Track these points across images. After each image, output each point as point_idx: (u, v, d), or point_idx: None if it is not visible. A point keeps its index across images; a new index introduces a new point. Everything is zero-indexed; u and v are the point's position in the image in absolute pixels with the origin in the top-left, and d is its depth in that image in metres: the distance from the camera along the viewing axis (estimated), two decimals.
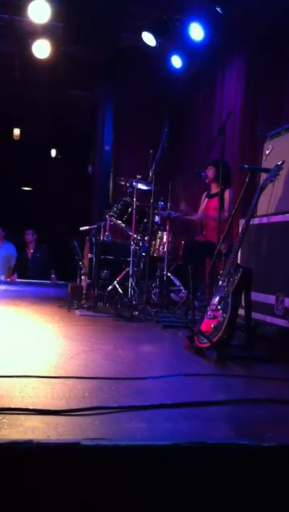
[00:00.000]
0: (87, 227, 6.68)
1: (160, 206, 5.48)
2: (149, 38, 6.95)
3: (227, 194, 5.33)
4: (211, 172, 5.62)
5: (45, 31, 7.01)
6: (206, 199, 5.85)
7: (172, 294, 5.49)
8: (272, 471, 1.53)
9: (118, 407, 1.88)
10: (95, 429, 1.65)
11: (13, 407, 1.78)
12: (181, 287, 5.46)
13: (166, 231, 5.41)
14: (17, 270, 8.91)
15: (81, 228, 6.78)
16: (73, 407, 1.82)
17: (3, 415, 1.69)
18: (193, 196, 7.66)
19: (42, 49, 7.15)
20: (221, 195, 4.67)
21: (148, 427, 1.73)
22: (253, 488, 1.52)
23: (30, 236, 8.98)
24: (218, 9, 6.22)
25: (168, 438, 1.57)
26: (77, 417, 1.75)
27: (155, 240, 5.51)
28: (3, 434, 1.53)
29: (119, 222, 5.51)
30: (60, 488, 1.42)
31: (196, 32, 6.63)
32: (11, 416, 1.70)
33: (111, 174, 9.45)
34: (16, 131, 11.11)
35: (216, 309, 3.08)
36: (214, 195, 5.59)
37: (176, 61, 7.46)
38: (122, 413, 1.84)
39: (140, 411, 1.88)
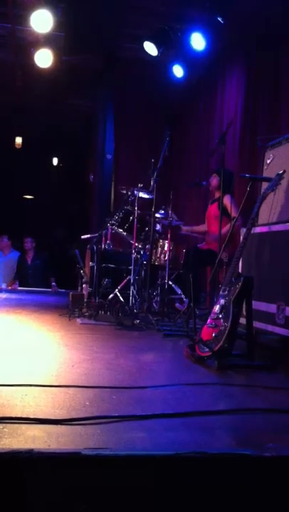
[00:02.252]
0: (89, 236, 6.67)
1: (161, 215, 5.49)
2: (150, 48, 6.98)
3: (226, 200, 5.23)
4: (215, 180, 5.61)
5: (47, 41, 7.05)
6: (209, 205, 5.86)
7: (177, 304, 5.48)
8: (273, 482, 1.53)
9: (119, 417, 1.87)
10: (95, 439, 1.65)
11: (14, 416, 1.78)
12: (182, 296, 5.45)
13: (167, 239, 5.41)
14: (18, 278, 8.91)
15: (82, 237, 6.78)
16: (74, 417, 1.82)
17: (4, 424, 1.69)
18: (192, 205, 7.68)
19: (44, 58, 7.19)
20: (221, 201, 4.65)
21: (149, 437, 1.73)
22: (255, 499, 1.52)
23: (29, 244, 9.00)
24: (219, 19, 6.25)
25: (169, 448, 1.56)
26: (78, 427, 1.75)
27: (156, 249, 5.51)
28: (4, 444, 1.53)
29: (121, 230, 5.52)
30: (61, 498, 1.42)
31: (198, 41, 6.66)
32: (11, 425, 1.70)
33: (112, 183, 9.47)
34: (18, 140, 11.14)
35: (217, 318, 3.08)
36: (215, 200, 5.58)
37: (178, 70, 7.49)
38: (122, 422, 1.84)
39: (141, 420, 1.88)
